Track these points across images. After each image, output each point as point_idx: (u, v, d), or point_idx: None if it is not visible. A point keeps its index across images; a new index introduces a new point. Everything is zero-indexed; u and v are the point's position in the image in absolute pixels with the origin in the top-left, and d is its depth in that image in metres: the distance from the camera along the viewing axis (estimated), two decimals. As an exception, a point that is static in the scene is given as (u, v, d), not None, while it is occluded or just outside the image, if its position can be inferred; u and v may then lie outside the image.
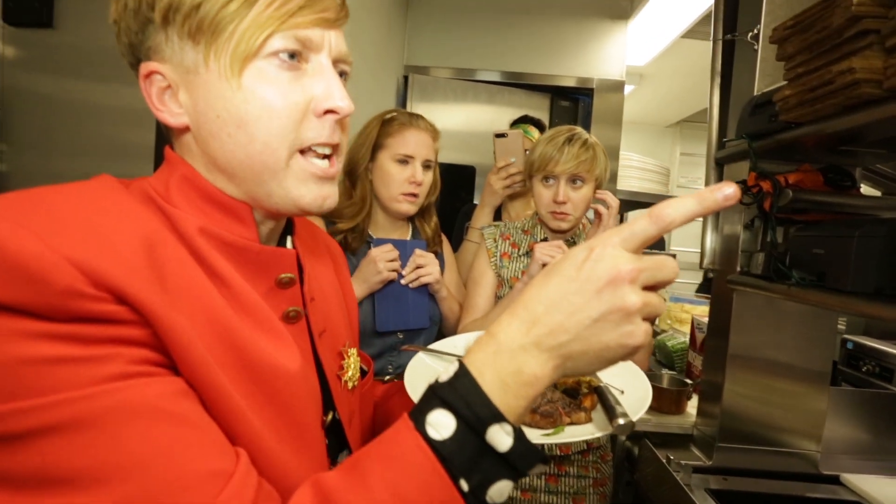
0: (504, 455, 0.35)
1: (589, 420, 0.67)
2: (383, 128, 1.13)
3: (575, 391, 0.73)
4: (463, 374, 0.36)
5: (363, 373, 0.61)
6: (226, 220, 0.45)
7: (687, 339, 1.52)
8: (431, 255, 1.13)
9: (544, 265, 1.10)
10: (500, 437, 0.35)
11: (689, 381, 1.26)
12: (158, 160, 1.38)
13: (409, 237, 1.19)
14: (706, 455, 1.04)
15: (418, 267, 1.09)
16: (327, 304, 0.56)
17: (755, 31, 1.02)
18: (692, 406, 1.22)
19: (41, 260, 0.31)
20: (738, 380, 1.03)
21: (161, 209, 0.42)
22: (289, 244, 0.53)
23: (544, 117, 2.29)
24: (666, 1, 2.01)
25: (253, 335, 0.42)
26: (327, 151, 0.46)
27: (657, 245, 2.77)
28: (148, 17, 0.41)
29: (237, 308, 0.42)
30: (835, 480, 1.01)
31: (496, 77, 2.24)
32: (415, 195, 1.11)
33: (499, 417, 0.35)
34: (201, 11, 0.40)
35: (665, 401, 1.18)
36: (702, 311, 1.56)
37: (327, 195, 0.47)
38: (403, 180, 1.10)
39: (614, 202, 1.12)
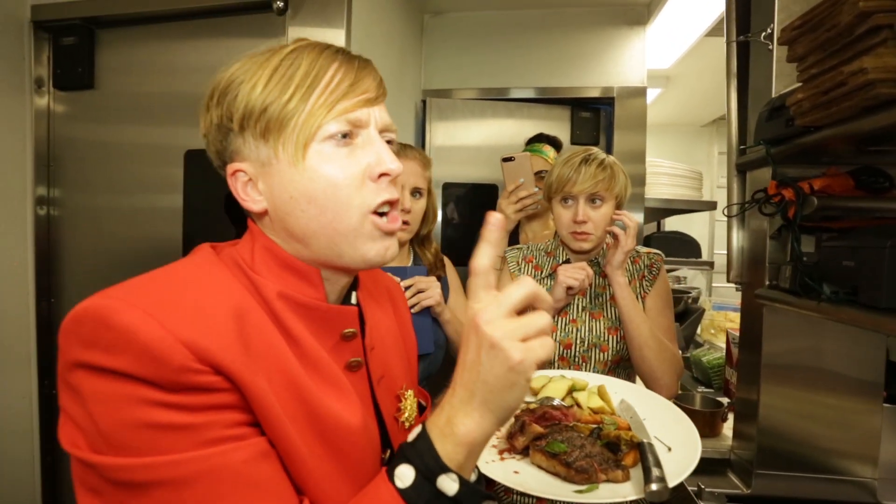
0: (454, 497, 0.43)
1: (627, 479, 0.64)
2: None
3: (617, 446, 0.70)
4: (422, 434, 0.46)
5: (422, 408, 0.68)
6: (299, 283, 0.53)
7: (724, 352, 1.43)
8: (432, 279, 1.13)
9: (568, 288, 1.08)
10: (448, 484, 0.43)
11: (725, 400, 1.18)
12: (187, 191, 1.48)
13: (410, 262, 1.19)
14: (744, 483, 0.97)
15: (419, 291, 1.09)
16: (386, 351, 0.63)
17: (769, 31, 0.97)
18: (728, 428, 1.15)
19: (163, 342, 0.40)
20: (775, 394, 0.96)
21: (247, 276, 0.51)
22: (353, 299, 0.61)
23: (565, 129, 2.25)
24: (684, 2, 1.94)
25: (320, 391, 0.50)
26: (386, 209, 0.54)
27: (692, 253, 2.64)
28: (229, 128, 0.51)
29: (306, 364, 0.50)
30: (896, 511, 0.92)
31: (515, 94, 2.23)
32: (405, 222, 1.12)
33: (444, 468, 0.43)
34: (268, 113, 0.49)
35: (697, 423, 1.10)
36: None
37: (388, 247, 0.54)
38: None
39: (632, 222, 1.08)
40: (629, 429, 0.75)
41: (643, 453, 0.66)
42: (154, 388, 0.40)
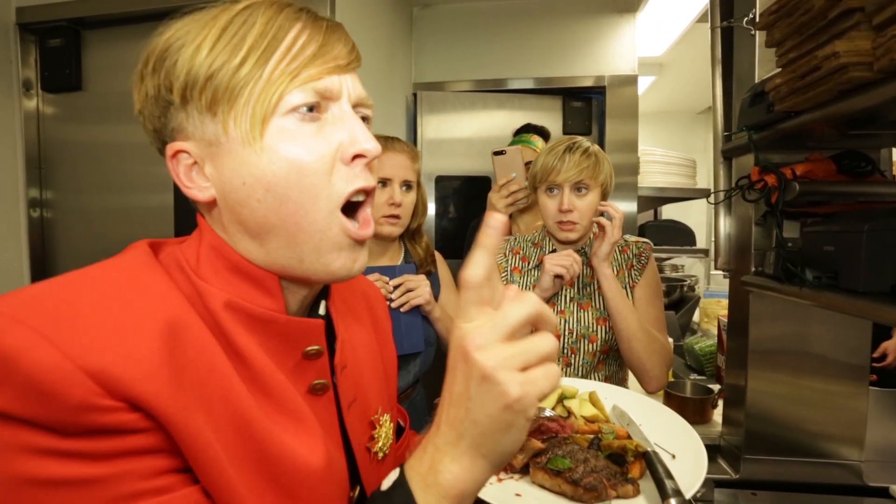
0: None
1: (637, 493, 0.60)
2: None
3: (621, 457, 0.66)
4: (399, 481, 0.39)
5: (400, 430, 0.59)
6: (252, 291, 0.44)
7: (716, 340, 1.44)
8: (421, 277, 1.13)
9: (557, 276, 1.08)
10: None
11: (716, 387, 1.19)
12: (178, 190, 1.46)
13: (400, 260, 1.19)
14: (733, 467, 0.98)
15: (408, 290, 1.10)
16: (359, 370, 0.54)
17: (751, 16, 0.97)
18: (719, 415, 1.15)
19: (56, 372, 0.31)
20: (763, 379, 0.96)
21: (190, 281, 0.42)
22: (321, 309, 0.51)
23: (557, 119, 2.25)
24: (674, -12, 1.93)
25: (273, 424, 0.41)
26: (361, 198, 0.45)
27: (687, 241, 2.64)
28: (168, 101, 0.42)
29: (257, 390, 0.41)
30: (883, 493, 0.92)
31: (506, 86, 2.22)
32: (396, 216, 1.12)
33: None
34: (215, 81, 0.40)
35: (688, 410, 1.12)
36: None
37: (356, 259, 0.46)
38: (382, 203, 1.10)
39: (618, 213, 1.08)
40: (629, 437, 0.71)
41: (651, 464, 0.62)
42: (43, 431, 0.31)
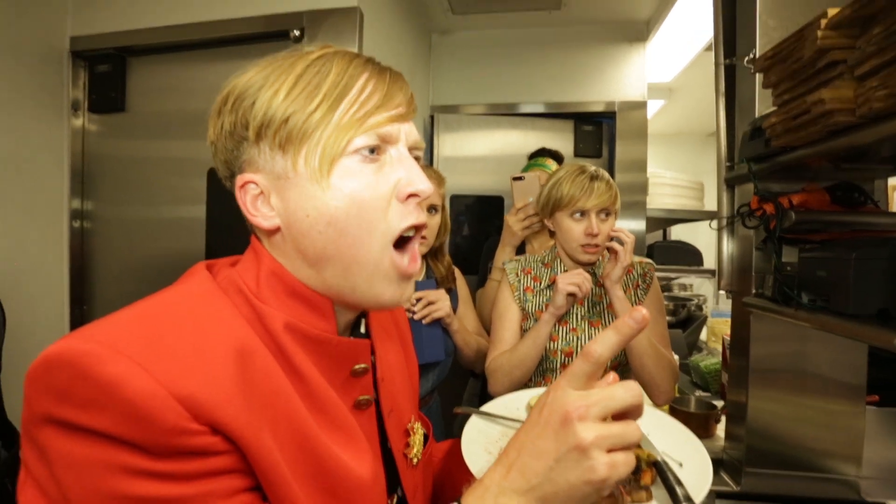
0: None
1: (650, 498, 0.62)
2: None
3: (637, 466, 0.70)
4: None
5: (425, 438, 0.63)
6: (308, 313, 0.47)
7: (720, 358, 1.48)
8: (441, 292, 1.20)
9: (569, 294, 1.13)
10: None
11: (720, 403, 1.24)
12: (210, 204, 1.58)
13: (422, 276, 1.27)
14: (734, 480, 1.02)
15: (430, 303, 1.17)
16: (394, 383, 0.58)
17: (751, 56, 1.04)
18: (722, 430, 1.20)
19: (154, 399, 0.34)
20: (764, 397, 1.01)
21: (251, 304, 0.45)
22: (362, 328, 0.56)
23: (569, 141, 2.33)
24: (682, 19, 2.02)
25: (329, 439, 0.44)
26: (411, 234, 0.49)
27: (695, 261, 2.68)
28: (243, 136, 0.46)
29: (313, 408, 0.45)
30: (880, 508, 0.96)
31: (520, 109, 2.31)
32: (423, 237, 1.20)
33: None
34: (290, 124, 0.44)
35: (692, 425, 1.15)
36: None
37: (404, 291, 0.50)
38: None
39: (629, 238, 1.14)
40: (639, 446, 0.75)
41: (661, 472, 0.63)
42: (139, 453, 0.34)
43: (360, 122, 0.45)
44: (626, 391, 0.40)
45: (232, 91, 0.47)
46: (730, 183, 1.13)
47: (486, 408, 0.80)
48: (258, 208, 0.47)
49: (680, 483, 0.63)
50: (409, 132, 0.50)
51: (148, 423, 0.34)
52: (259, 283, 0.47)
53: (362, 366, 0.50)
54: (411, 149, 0.50)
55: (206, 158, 1.57)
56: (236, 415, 0.37)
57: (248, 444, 0.37)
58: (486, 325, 1.43)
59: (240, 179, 0.47)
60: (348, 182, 0.45)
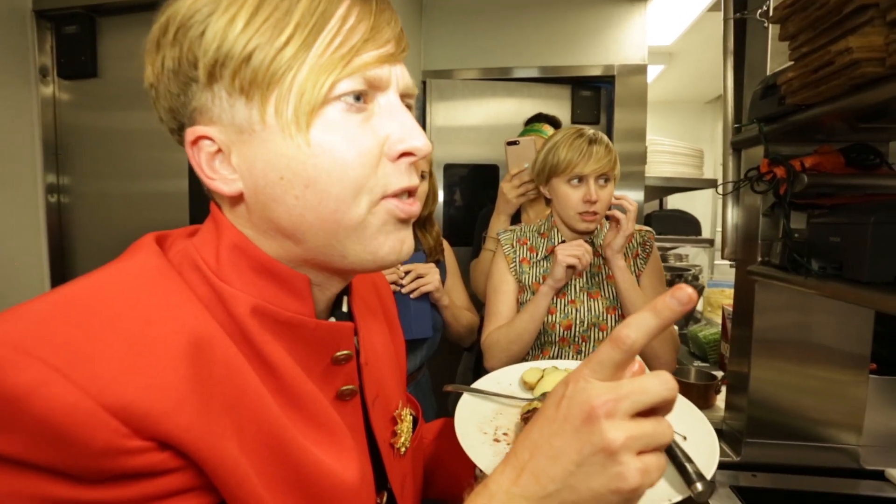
0: None
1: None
2: None
3: None
4: None
5: (415, 422, 0.57)
6: (280, 293, 0.40)
7: (720, 328, 1.47)
8: (431, 265, 1.15)
9: (570, 266, 1.09)
10: None
11: (720, 373, 1.22)
12: (192, 176, 1.50)
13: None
14: (734, 450, 1.01)
15: (419, 276, 1.12)
16: (379, 367, 0.52)
17: (764, 8, 0.98)
18: (721, 400, 1.19)
19: (76, 414, 0.27)
20: (766, 367, 0.99)
21: (210, 284, 0.38)
22: (344, 306, 0.48)
23: (566, 108, 2.25)
24: (686, -24, 1.92)
25: (306, 440, 0.38)
26: (404, 198, 0.41)
27: (692, 230, 2.65)
28: (190, 77, 0.37)
29: (287, 404, 0.38)
30: (879, 476, 0.96)
31: (515, 74, 2.22)
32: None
33: None
34: (253, 62, 0.35)
35: (692, 396, 1.15)
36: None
37: (404, 240, 0.42)
38: None
39: (632, 206, 1.09)
40: None
41: (669, 449, 0.59)
42: (64, 480, 0.27)
43: (344, 61, 0.36)
44: (660, 384, 0.33)
45: (173, 16, 0.36)
46: (736, 146, 1.08)
47: (477, 385, 0.77)
48: (216, 169, 0.38)
49: (689, 460, 0.60)
50: (402, 76, 0.41)
51: (70, 444, 0.27)
52: (219, 258, 0.39)
53: (344, 352, 0.43)
54: (403, 96, 0.41)
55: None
56: (189, 424, 0.30)
57: (205, 457, 0.31)
58: (481, 297, 1.40)
59: (190, 133, 0.38)
60: (329, 136, 0.37)
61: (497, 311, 1.20)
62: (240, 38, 0.35)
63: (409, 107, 0.42)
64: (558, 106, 2.24)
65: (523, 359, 1.19)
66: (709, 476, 0.53)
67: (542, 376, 0.83)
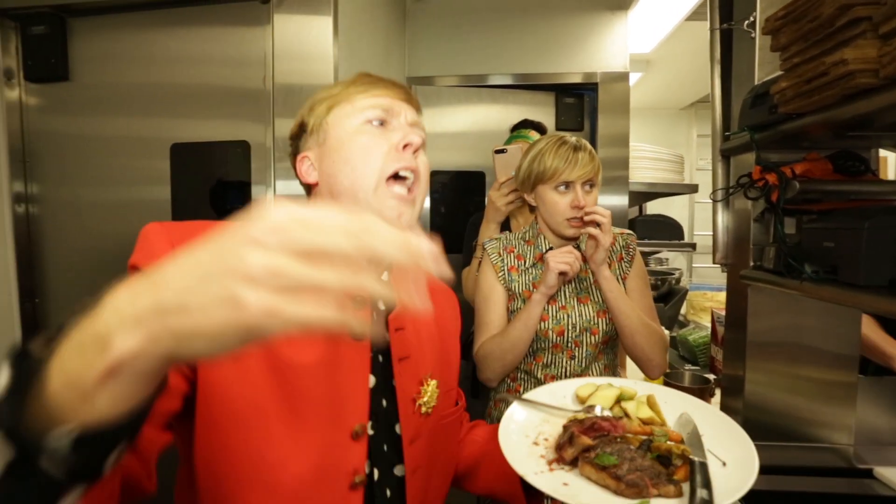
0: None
1: (679, 494, 0.62)
2: None
3: (668, 459, 0.68)
4: None
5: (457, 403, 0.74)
6: None
7: (709, 331, 1.49)
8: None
9: (561, 273, 1.09)
10: None
11: (711, 377, 1.24)
12: (173, 184, 1.44)
13: None
14: (730, 454, 1.02)
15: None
16: (418, 337, 0.69)
17: (751, 19, 1.00)
18: (716, 403, 1.20)
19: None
20: (760, 370, 1.01)
21: None
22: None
23: (550, 115, 2.27)
24: (665, -14, 1.97)
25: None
26: (409, 175, 0.64)
27: (676, 235, 2.71)
28: (303, 133, 0.70)
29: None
30: (868, 475, 0.98)
31: (498, 81, 2.22)
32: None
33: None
34: (323, 123, 0.67)
35: (686, 399, 1.16)
36: (724, 300, 1.52)
37: (402, 213, 0.64)
38: None
39: (605, 217, 1.08)
40: (682, 441, 0.72)
41: (692, 471, 0.64)
42: None
43: (365, 95, 0.68)
44: (357, 230, 0.27)
45: (313, 102, 0.71)
46: (726, 154, 1.10)
47: (530, 395, 0.82)
48: (308, 172, 0.69)
49: (708, 486, 0.60)
50: (409, 114, 0.68)
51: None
52: None
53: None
54: (411, 125, 0.68)
55: (167, 135, 1.43)
56: None
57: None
58: (472, 304, 1.38)
59: (300, 157, 0.70)
60: (362, 137, 0.65)
61: (488, 321, 1.19)
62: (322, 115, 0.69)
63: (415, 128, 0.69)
64: (543, 113, 2.25)
65: (517, 367, 1.18)
66: (726, 502, 0.55)
67: (595, 391, 0.83)
